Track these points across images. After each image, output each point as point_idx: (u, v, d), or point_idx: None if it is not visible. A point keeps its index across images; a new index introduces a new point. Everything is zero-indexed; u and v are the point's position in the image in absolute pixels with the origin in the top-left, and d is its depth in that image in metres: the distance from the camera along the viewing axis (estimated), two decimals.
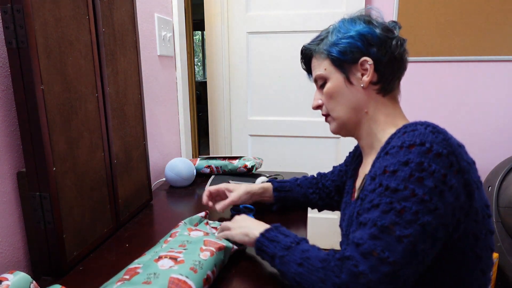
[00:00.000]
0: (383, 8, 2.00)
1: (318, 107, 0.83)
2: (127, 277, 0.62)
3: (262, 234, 0.72)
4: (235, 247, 0.78)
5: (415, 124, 0.64)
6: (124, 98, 0.99)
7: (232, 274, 0.74)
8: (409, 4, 1.95)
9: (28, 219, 0.74)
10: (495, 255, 1.70)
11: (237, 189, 0.98)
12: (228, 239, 0.78)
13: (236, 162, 1.38)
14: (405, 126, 0.65)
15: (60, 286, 0.60)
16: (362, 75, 0.74)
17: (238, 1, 2.11)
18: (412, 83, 2.06)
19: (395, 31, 0.75)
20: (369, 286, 0.54)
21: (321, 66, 0.79)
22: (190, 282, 0.61)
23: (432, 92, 2.05)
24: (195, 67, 4.84)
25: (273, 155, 2.28)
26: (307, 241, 0.68)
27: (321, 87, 0.81)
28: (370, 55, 0.73)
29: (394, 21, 0.77)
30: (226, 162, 1.39)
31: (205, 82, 4.35)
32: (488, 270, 0.66)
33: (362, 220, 0.60)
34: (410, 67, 2.04)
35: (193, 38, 3.90)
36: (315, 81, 0.82)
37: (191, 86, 3.55)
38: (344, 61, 0.75)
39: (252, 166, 1.36)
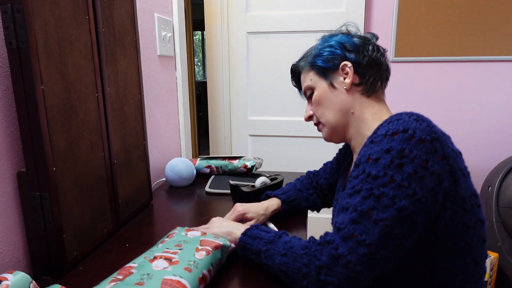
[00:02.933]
0: (383, 8, 2.00)
1: (309, 117, 0.89)
2: (120, 277, 0.62)
3: (244, 234, 0.76)
4: (233, 245, 0.78)
5: (400, 114, 0.67)
6: (124, 98, 0.99)
7: (232, 273, 0.74)
8: (409, 4, 1.95)
9: (28, 219, 0.74)
10: (495, 255, 1.70)
11: (255, 216, 0.93)
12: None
13: (236, 162, 1.38)
14: (391, 117, 0.68)
15: (60, 286, 0.60)
16: (344, 78, 0.80)
17: (238, 1, 2.11)
18: (412, 83, 2.06)
19: (371, 39, 0.82)
20: (348, 267, 0.58)
21: (307, 78, 0.86)
22: (184, 282, 0.61)
23: (432, 92, 2.05)
24: (195, 67, 4.84)
25: (273, 155, 2.28)
26: (287, 234, 0.73)
27: (309, 98, 0.88)
28: (349, 60, 0.80)
29: (372, 33, 0.84)
30: (226, 162, 1.39)
31: (205, 82, 4.35)
32: (481, 261, 0.68)
33: (345, 205, 0.64)
34: (410, 67, 2.04)
35: (193, 38, 3.90)
36: (305, 94, 0.89)
37: (191, 86, 3.55)
38: (327, 68, 0.81)
39: (252, 166, 1.36)
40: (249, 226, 0.78)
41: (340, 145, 2.17)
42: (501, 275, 1.72)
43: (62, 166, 0.74)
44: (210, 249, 0.71)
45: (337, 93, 0.81)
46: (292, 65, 0.92)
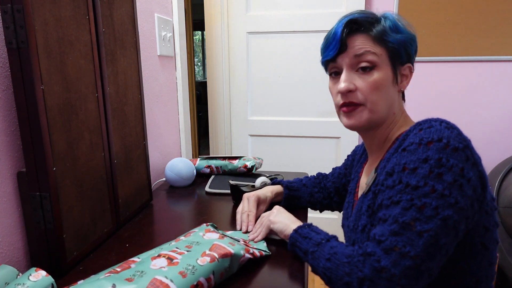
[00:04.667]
0: (383, 8, 2.00)
1: (350, 91, 0.71)
2: (118, 269, 0.62)
3: (295, 231, 0.76)
4: (247, 255, 0.75)
5: (429, 120, 0.66)
6: (124, 98, 0.99)
7: (241, 283, 0.72)
8: (409, 4, 1.95)
9: (28, 219, 0.74)
10: None
11: (264, 201, 1.02)
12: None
13: (236, 162, 1.38)
14: (419, 123, 0.67)
15: (35, 268, 0.61)
16: (402, 79, 0.76)
17: (238, 1, 2.11)
18: (412, 83, 2.05)
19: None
20: (392, 280, 0.56)
21: (375, 48, 0.70)
22: (172, 286, 0.59)
23: (432, 92, 2.05)
24: (195, 67, 4.84)
25: (273, 155, 2.28)
26: (336, 239, 0.71)
27: (362, 69, 0.70)
28: (411, 62, 0.75)
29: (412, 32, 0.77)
30: (226, 162, 1.39)
31: (205, 82, 4.35)
32: (495, 262, 0.68)
33: (382, 216, 0.62)
34: None
35: (193, 38, 3.90)
36: (356, 56, 0.70)
37: (191, 86, 3.55)
38: (399, 58, 0.72)
39: (252, 166, 1.36)
40: (301, 224, 0.79)
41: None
42: (501, 275, 1.72)
43: (62, 166, 0.74)
44: (217, 256, 0.68)
45: (394, 89, 0.74)
46: (356, 18, 0.72)
